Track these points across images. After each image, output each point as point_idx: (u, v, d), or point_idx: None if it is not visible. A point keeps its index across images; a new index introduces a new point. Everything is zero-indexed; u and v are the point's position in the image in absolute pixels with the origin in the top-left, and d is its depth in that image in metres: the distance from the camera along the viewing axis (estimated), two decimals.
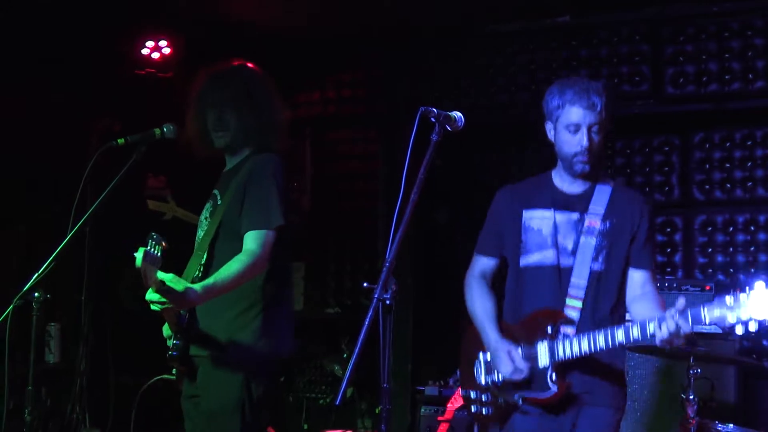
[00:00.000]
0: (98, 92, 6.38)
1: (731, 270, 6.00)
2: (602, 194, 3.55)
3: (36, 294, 3.59)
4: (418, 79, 6.72)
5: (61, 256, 3.52)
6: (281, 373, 3.75)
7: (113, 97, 6.45)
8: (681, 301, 3.14)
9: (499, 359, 3.51)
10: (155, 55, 6.52)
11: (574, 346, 3.35)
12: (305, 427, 6.42)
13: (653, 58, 6.11)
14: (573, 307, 3.45)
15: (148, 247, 3.23)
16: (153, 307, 3.38)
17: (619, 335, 3.25)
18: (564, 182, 3.61)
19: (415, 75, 6.73)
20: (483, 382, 3.62)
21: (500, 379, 3.54)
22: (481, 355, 3.64)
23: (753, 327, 2.99)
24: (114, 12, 5.98)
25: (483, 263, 3.76)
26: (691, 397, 4.28)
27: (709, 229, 6.09)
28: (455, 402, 5.03)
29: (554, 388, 3.40)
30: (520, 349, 3.49)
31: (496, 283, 3.78)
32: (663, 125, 6.25)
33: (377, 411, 6.14)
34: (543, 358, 3.42)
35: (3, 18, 5.66)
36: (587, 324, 3.41)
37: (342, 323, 6.81)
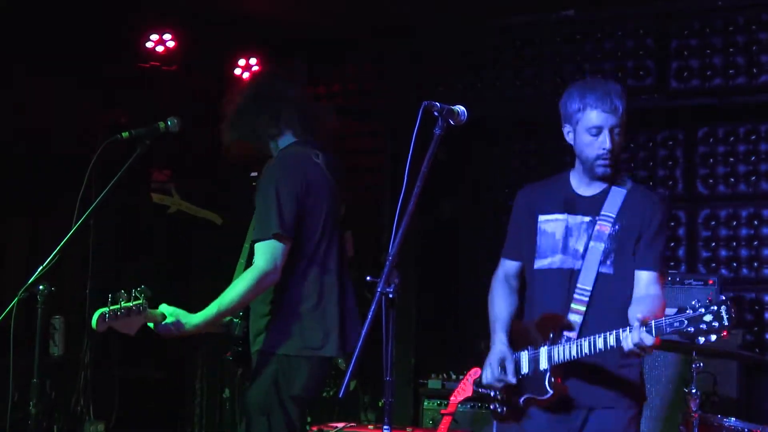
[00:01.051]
0: (104, 85, 6.39)
1: (734, 264, 6.01)
2: (616, 197, 3.54)
3: (41, 287, 3.59)
4: (423, 72, 6.72)
5: (65, 249, 3.54)
6: (326, 372, 3.75)
7: (119, 89, 6.47)
8: (640, 314, 3.19)
9: (488, 363, 3.60)
10: (159, 49, 6.53)
11: (566, 350, 3.42)
12: (308, 420, 6.43)
13: (658, 53, 6.10)
14: (577, 311, 3.47)
15: (110, 307, 3.33)
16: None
17: (599, 343, 3.31)
18: (581, 184, 3.60)
19: (420, 69, 6.73)
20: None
21: (513, 380, 3.58)
22: None
23: (713, 338, 3.07)
24: (118, 4, 5.99)
25: (506, 266, 3.79)
26: (694, 391, 4.29)
27: (713, 223, 6.09)
28: (458, 395, 5.03)
29: (550, 391, 3.46)
30: (524, 354, 3.55)
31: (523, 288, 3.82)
32: (667, 120, 6.25)
33: (380, 404, 6.16)
34: (543, 362, 3.48)
35: (7, 11, 5.67)
36: (592, 328, 3.42)
37: None
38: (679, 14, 6.05)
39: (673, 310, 3.16)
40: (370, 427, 5.35)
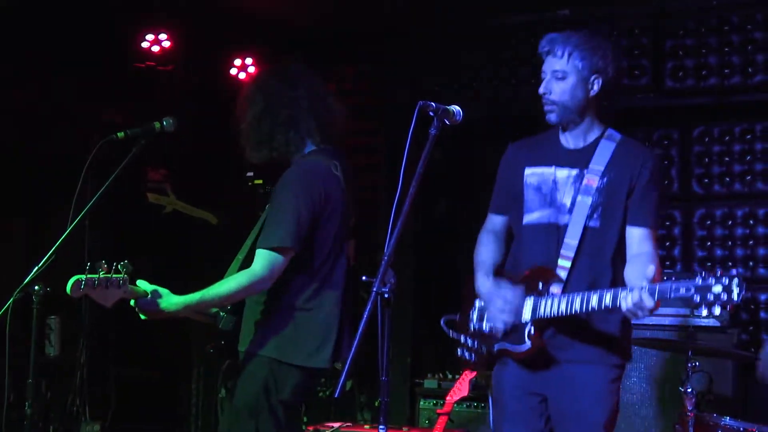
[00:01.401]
0: (101, 85, 6.39)
1: (730, 264, 6.01)
2: (605, 150, 3.49)
3: (36, 287, 3.60)
4: (419, 71, 6.72)
5: (61, 249, 3.53)
6: (316, 380, 3.74)
7: (116, 89, 6.47)
8: (650, 269, 3.10)
9: (491, 302, 3.49)
10: (155, 48, 6.52)
11: (554, 305, 3.33)
12: (305, 419, 6.44)
13: (653, 52, 6.11)
14: (562, 266, 3.41)
15: (87, 275, 3.30)
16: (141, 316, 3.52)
17: (594, 300, 3.22)
18: (569, 138, 3.56)
19: (416, 68, 6.73)
20: (472, 328, 3.63)
21: (487, 328, 3.53)
22: (477, 301, 3.64)
23: (717, 311, 2.98)
24: (115, 4, 5.98)
25: (494, 221, 3.74)
26: (689, 390, 4.29)
27: (708, 222, 6.10)
28: (454, 395, 5.04)
29: (528, 344, 3.40)
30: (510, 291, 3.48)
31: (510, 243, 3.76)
32: (662, 119, 6.25)
33: (376, 404, 6.17)
34: (526, 314, 3.41)
35: (6, 11, 5.67)
36: (577, 284, 3.37)
37: None
38: (675, 13, 6.06)
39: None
40: (367, 426, 5.35)
